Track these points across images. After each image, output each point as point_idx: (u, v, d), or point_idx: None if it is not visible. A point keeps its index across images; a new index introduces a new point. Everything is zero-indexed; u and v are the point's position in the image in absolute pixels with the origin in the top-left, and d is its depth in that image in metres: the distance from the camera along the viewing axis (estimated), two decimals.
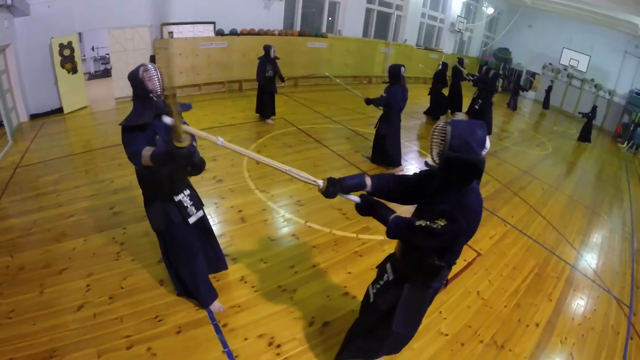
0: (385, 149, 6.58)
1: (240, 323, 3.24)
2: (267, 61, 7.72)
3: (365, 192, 2.40)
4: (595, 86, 17.73)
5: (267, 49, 7.67)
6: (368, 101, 6.56)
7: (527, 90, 19.14)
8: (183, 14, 9.49)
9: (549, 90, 18.18)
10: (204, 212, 3.27)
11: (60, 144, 6.66)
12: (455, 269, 3.97)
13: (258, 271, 3.86)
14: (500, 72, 18.96)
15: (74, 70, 8.23)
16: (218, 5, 10.02)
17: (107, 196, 5.02)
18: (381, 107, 6.47)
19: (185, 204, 2.99)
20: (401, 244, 2.43)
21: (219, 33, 10.21)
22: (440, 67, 10.57)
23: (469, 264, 4.50)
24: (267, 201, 5.21)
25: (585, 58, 17.40)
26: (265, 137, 7.55)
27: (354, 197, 2.33)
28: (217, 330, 3.16)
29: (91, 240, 4.14)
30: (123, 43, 8.80)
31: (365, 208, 2.28)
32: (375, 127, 6.72)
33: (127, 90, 9.16)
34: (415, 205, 2.41)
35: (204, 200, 3.34)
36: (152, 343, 2.97)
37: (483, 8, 19.71)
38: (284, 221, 4.80)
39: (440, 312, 3.61)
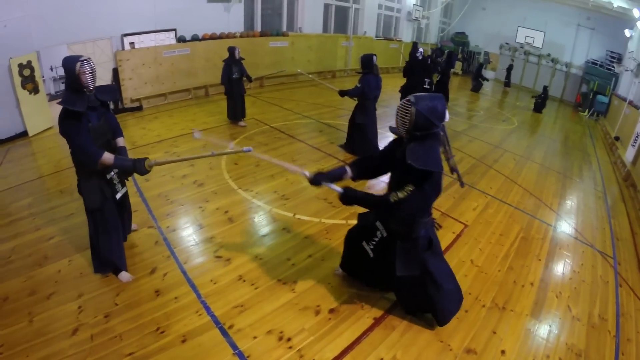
0: (367, 138, 6.66)
1: (246, 322, 3.20)
2: (232, 63, 7.63)
3: (346, 185, 2.77)
4: (552, 60, 18.63)
5: (231, 50, 7.58)
6: (342, 93, 6.64)
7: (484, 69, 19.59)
8: (143, 22, 9.23)
9: (509, 69, 18.91)
10: (126, 188, 3.63)
11: (30, 167, 6.34)
12: (445, 242, 4.35)
13: (255, 268, 3.84)
14: (459, 55, 19.57)
15: (35, 90, 7.89)
16: (177, 11, 9.78)
17: (85, 214, 4.81)
18: (356, 98, 6.55)
19: (114, 182, 3.35)
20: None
21: (181, 40, 9.99)
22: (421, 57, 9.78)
23: (458, 235, 4.66)
24: (252, 199, 5.19)
25: (540, 34, 18.19)
26: (239, 138, 7.48)
27: (338, 188, 2.71)
28: (224, 332, 3.09)
29: (76, 260, 3.95)
30: None
31: (347, 196, 2.66)
32: (351, 116, 6.86)
33: None
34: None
35: (187, 206, 4.05)
36: (158, 356, 2.87)
37: None
38: (272, 216, 4.79)
39: None
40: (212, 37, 10.56)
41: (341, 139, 7.49)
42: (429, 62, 9.60)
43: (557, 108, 16.90)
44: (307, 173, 2.79)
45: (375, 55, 6.34)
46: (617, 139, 11.27)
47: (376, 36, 17.06)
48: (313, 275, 3.76)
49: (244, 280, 3.68)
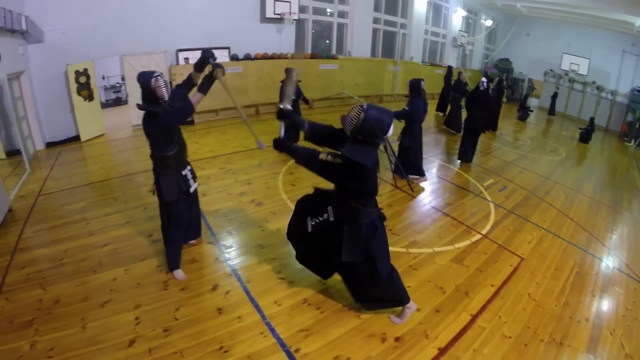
0: (411, 160, 6.56)
1: (312, 347, 3.00)
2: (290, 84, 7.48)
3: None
4: (597, 88, 17.81)
5: (289, 71, 7.46)
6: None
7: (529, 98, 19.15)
8: (198, 39, 9.38)
9: (554, 97, 18.22)
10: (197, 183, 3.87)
11: (82, 172, 6.36)
12: (503, 275, 4.23)
13: (319, 292, 3.64)
14: (504, 82, 19.14)
15: (90, 97, 8.01)
16: (231, 30, 9.94)
17: (142, 223, 4.67)
18: (403, 120, 6.49)
19: (188, 177, 3.61)
20: (336, 193, 2.96)
21: (234, 58, 10.08)
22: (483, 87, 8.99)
23: (515, 269, 4.46)
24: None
25: (585, 61, 17.62)
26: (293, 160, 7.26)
27: (282, 133, 3.04)
28: (290, 356, 2.86)
29: (133, 269, 3.79)
30: (138, 70, 8.56)
31: (280, 142, 2.93)
32: (398, 140, 6.71)
33: None
34: None
35: (247, 225, 4.21)
36: None
37: (482, 21, 19.97)
38: None
39: (500, 316, 3.59)
40: (264, 57, 10.62)
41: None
42: (489, 92, 8.78)
43: (603, 138, 16.10)
44: (282, 106, 3.08)
45: (422, 80, 6.34)
46: None
47: (422, 61, 16.89)
48: None
49: (309, 304, 3.47)
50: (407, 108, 6.24)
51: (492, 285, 4.00)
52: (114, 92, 11.81)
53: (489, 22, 20.17)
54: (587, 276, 4.69)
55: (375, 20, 14.28)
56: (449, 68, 12.92)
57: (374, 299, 3.19)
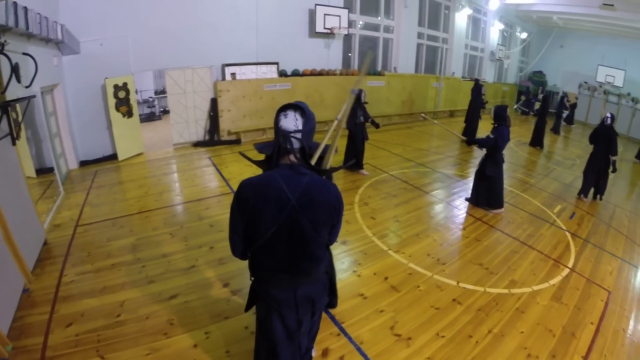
0: (495, 191, 6.01)
1: None
2: (358, 106, 6.74)
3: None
4: (632, 99, 17.12)
5: (357, 93, 6.62)
6: (470, 142, 6.14)
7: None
8: (245, 54, 8.73)
9: (573, 107, 17.75)
10: None
11: (124, 197, 5.54)
12: (597, 311, 3.84)
13: (440, 348, 3.07)
14: (539, 96, 18.44)
15: (129, 113, 7.27)
16: (280, 45, 9.29)
17: (211, 268, 3.83)
18: (485, 149, 6.02)
19: None
20: None
21: (282, 74, 9.37)
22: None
23: (606, 303, 4.11)
24: (408, 263, 4.24)
25: (621, 73, 17.01)
26: (364, 187, 6.47)
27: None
28: None
29: (215, 332, 2.93)
30: (182, 85, 7.86)
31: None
32: (479, 168, 6.14)
33: (186, 135, 8.23)
34: None
35: (341, 269, 3.72)
36: None
37: (517, 33, 19.44)
38: (437, 285, 3.95)
39: (605, 355, 3.25)
40: (312, 73, 9.93)
41: (463, 191, 6.75)
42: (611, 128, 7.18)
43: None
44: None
45: (508, 106, 6.03)
46: None
47: (462, 77, 16.15)
48: (499, 354, 3.06)
49: (428, 358, 2.91)
50: (491, 136, 5.79)
51: (592, 324, 3.65)
52: (148, 106, 11.06)
53: (524, 35, 19.62)
54: None
55: (419, 35, 13.61)
56: (477, 81, 11.97)
57: None
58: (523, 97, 19.72)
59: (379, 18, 12.19)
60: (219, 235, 4.44)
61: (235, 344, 2.79)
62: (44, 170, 5.38)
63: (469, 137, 8.85)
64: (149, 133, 7.98)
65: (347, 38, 10.98)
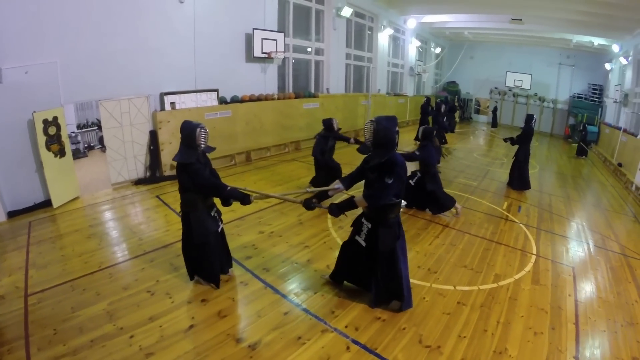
0: (441, 201, 6.67)
1: None
2: (330, 135, 6.83)
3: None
4: (539, 99, 20.33)
5: (329, 123, 6.79)
6: (410, 156, 6.72)
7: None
8: (183, 81, 8.26)
9: (494, 111, 20.49)
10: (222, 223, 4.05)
11: (75, 253, 4.80)
12: (570, 286, 4.59)
13: (466, 348, 3.38)
14: (456, 104, 20.73)
15: (61, 152, 6.49)
16: (218, 70, 8.96)
17: (214, 324, 3.52)
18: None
19: (216, 217, 3.91)
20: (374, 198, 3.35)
21: (222, 101, 9.01)
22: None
23: (574, 277, 4.85)
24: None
25: (528, 77, 19.71)
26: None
27: (325, 206, 3.58)
28: None
29: None
30: (118, 117, 7.21)
31: (335, 210, 3.47)
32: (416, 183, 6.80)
33: (125, 173, 7.53)
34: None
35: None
36: None
37: (431, 49, 21.28)
38: (439, 293, 4.28)
39: (589, 317, 3.97)
40: (251, 99, 9.70)
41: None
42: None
43: (549, 141, 18.20)
44: (300, 200, 3.69)
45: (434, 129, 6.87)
46: (620, 165, 11.77)
47: (387, 92, 17.16)
48: (513, 338, 3.57)
49: None
50: (417, 153, 6.38)
51: (569, 295, 4.37)
52: (72, 143, 10.01)
53: (438, 49, 21.65)
54: (621, 269, 5.23)
55: (347, 56, 14.05)
56: (427, 99, 13.55)
57: (391, 294, 3.71)
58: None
59: (311, 41, 12.35)
60: (208, 287, 4.08)
61: None
62: None
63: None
64: (78, 173, 7.19)
65: (282, 62, 10.91)
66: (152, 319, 3.53)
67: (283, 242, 5.31)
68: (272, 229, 5.71)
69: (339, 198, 5.29)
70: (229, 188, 3.57)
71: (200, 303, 3.82)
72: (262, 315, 3.67)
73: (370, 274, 3.71)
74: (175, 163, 3.76)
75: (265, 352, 3.16)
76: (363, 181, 3.59)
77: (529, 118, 8.26)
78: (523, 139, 8.40)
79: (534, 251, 5.52)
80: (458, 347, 3.34)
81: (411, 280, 4.25)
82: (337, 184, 3.71)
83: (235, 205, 3.78)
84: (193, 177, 3.52)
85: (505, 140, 8.69)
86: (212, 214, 3.85)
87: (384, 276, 3.62)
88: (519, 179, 8.54)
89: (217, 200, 3.91)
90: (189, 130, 3.53)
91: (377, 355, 3.20)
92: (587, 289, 4.62)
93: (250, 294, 4.04)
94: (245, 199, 3.61)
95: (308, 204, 3.54)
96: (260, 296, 4.00)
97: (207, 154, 3.88)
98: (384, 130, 3.21)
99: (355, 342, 3.33)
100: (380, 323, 3.63)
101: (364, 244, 3.64)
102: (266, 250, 5.04)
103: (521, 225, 6.52)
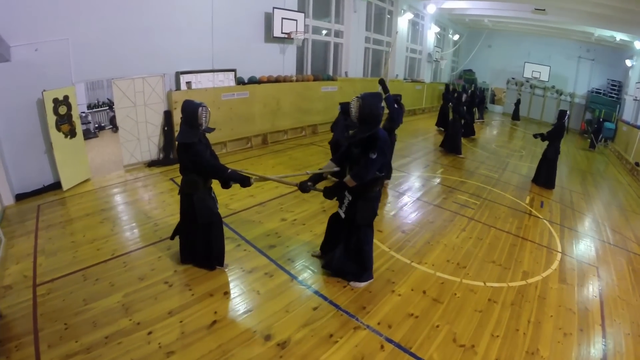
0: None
1: None
2: (348, 120, 6.36)
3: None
4: (557, 92, 19.71)
5: (346, 107, 6.39)
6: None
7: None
8: (200, 60, 7.92)
9: (517, 103, 19.66)
10: None
11: (87, 239, 4.53)
12: (594, 285, 4.51)
13: (499, 347, 3.24)
14: (469, 91, 19.73)
15: (72, 133, 6.18)
16: (236, 50, 8.59)
17: (239, 319, 3.27)
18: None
19: (215, 199, 3.90)
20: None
21: (239, 82, 8.64)
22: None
23: (598, 277, 4.73)
24: (435, 272, 4.34)
25: (546, 68, 19.22)
26: None
27: (320, 189, 3.65)
28: None
29: None
30: (131, 97, 6.87)
31: (328, 193, 3.60)
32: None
33: (138, 154, 7.21)
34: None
35: (375, 288, 3.84)
36: None
37: (449, 35, 20.69)
38: (470, 289, 4.10)
39: (614, 319, 3.83)
40: (269, 80, 9.31)
41: (445, 193, 7.14)
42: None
43: (565, 137, 16.94)
44: (295, 183, 3.72)
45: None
46: (637, 164, 11.28)
47: (404, 78, 16.74)
48: (544, 339, 3.44)
49: None
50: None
51: (595, 297, 4.24)
52: (82, 123, 9.69)
53: (456, 37, 20.92)
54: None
55: (366, 40, 13.55)
56: (447, 86, 13.42)
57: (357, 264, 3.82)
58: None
59: (330, 22, 11.89)
60: (227, 277, 3.81)
61: None
62: None
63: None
64: (89, 154, 6.88)
65: (301, 43, 10.48)
66: (171, 313, 3.26)
67: (307, 230, 5.03)
68: (294, 216, 5.42)
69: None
70: (229, 170, 3.55)
71: (223, 296, 3.55)
72: (290, 310, 3.42)
73: (341, 242, 3.84)
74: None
75: (296, 350, 2.93)
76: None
77: (562, 114, 7.88)
78: (554, 136, 8.05)
79: (559, 249, 5.38)
80: (492, 347, 3.21)
81: (441, 275, 4.30)
82: (330, 165, 3.77)
83: (255, 190, 3.85)
84: (194, 158, 3.50)
85: (535, 136, 8.38)
86: (212, 195, 3.85)
87: (354, 246, 3.74)
88: (546, 178, 8.24)
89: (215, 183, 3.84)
90: (190, 109, 3.47)
91: (412, 354, 3.03)
92: (611, 290, 4.48)
93: (276, 287, 3.78)
94: (245, 181, 3.59)
95: (304, 187, 3.55)
96: (287, 289, 3.75)
97: (208, 142, 3.87)
98: (370, 106, 3.27)
99: (389, 341, 3.16)
100: (413, 320, 3.47)
101: (343, 215, 3.72)
102: (290, 238, 4.77)
103: (545, 221, 6.36)
